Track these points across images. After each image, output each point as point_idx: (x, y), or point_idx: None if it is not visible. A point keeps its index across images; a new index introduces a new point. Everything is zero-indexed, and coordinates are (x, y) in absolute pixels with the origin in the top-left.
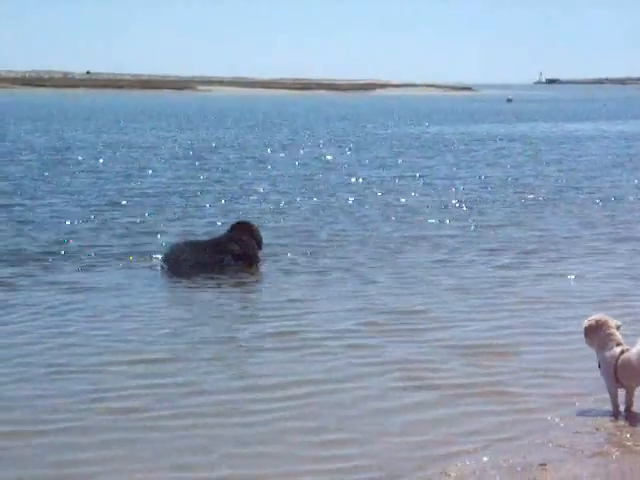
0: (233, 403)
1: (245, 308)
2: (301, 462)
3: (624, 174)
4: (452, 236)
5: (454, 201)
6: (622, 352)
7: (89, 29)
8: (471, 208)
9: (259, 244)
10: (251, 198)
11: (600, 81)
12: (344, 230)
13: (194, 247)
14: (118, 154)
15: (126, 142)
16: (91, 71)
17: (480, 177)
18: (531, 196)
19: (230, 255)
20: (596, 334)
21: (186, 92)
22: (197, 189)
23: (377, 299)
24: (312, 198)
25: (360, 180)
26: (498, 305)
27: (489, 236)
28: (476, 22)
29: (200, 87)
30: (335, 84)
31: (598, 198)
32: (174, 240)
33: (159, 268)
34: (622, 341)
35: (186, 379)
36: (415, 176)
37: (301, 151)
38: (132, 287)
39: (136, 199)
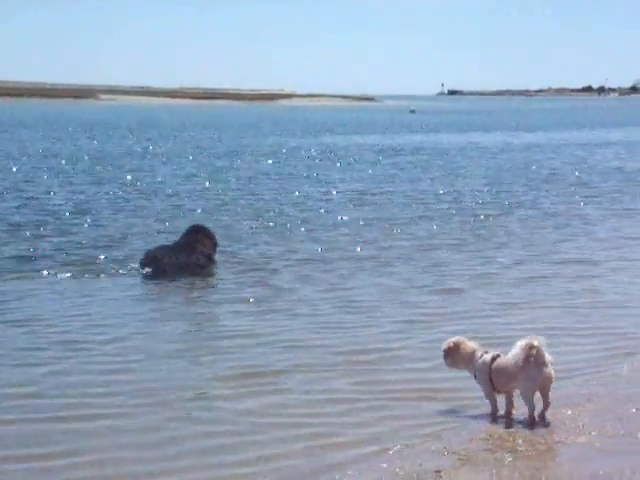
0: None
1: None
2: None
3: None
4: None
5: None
6: (494, 358)
7: None
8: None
9: (215, 246)
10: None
11: (500, 92)
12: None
13: (171, 251)
14: None
15: None
16: None
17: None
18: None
19: (201, 255)
20: (458, 354)
21: (88, 101)
22: None
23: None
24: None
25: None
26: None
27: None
28: (381, 33)
29: (103, 96)
30: (240, 94)
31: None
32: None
33: (141, 272)
34: (486, 350)
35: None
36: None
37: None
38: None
39: None
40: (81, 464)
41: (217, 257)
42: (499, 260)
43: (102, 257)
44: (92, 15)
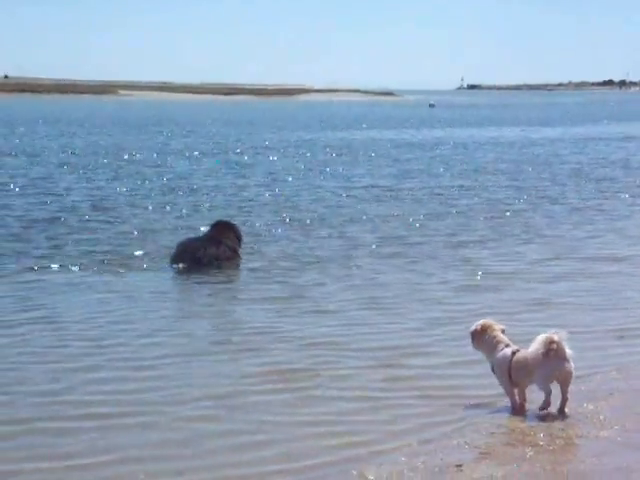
0: None
1: None
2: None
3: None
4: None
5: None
6: (514, 353)
7: (5, 32)
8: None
9: (239, 240)
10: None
11: (519, 87)
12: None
13: (203, 243)
14: None
15: None
16: (9, 75)
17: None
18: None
19: (227, 248)
20: (482, 338)
21: (106, 97)
22: None
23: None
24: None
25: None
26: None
27: None
28: (400, 27)
29: (122, 92)
30: (260, 89)
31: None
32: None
33: (175, 267)
34: (510, 343)
35: None
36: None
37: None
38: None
39: None
40: (109, 462)
41: (241, 252)
42: (526, 256)
43: (130, 252)
44: (112, 11)
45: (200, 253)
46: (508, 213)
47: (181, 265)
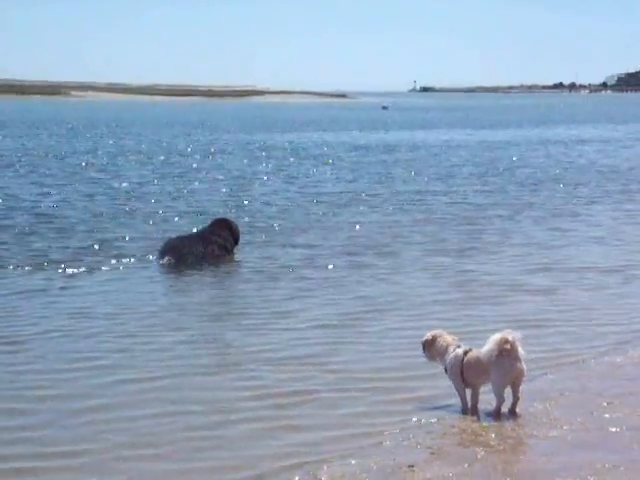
0: None
1: None
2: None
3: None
4: None
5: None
6: (466, 352)
7: None
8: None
9: (236, 239)
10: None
11: (472, 90)
12: None
13: (189, 241)
14: None
15: None
16: None
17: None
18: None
19: (216, 246)
20: (433, 346)
21: (57, 98)
22: None
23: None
24: None
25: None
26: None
27: None
28: (352, 30)
29: (74, 93)
30: (213, 91)
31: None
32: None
33: (162, 263)
34: (461, 344)
35: None
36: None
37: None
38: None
39: None
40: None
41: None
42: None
43: (116, 250)
44: (68, 13)
45: (184, 252)
46: (483, 219)
47: (166, 260)
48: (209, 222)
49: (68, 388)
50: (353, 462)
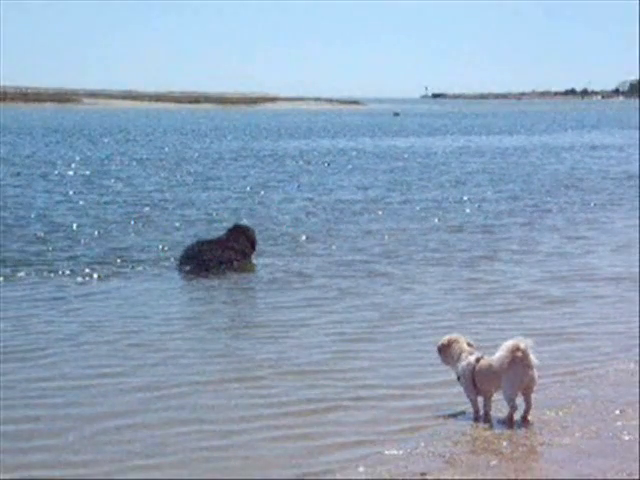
0: None
1: None
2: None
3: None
4: None
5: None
6: (478, 360)
7: None
8: None
9: (253, 245)
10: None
11: (484, 96)
12: None
13: (209, 246)
14: None
15: None
16: None
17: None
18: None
19: (233, 252)
20: (448, 351)
21: (68, 105)
22: None
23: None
24: None
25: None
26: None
27: None
28: (365, 37)
29: (86, 100)
30: (224, 97)
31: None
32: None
33: (182, 269)
34: (474, 351)
35: None
36: None
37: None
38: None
39: None
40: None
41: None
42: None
43: (137, 257)
44: (79, 20)
45: (206, 257)
46: (500, 227)
47: (188, 267)
48: (227, 229)
49: (82, 396)
50: (366, 470)
